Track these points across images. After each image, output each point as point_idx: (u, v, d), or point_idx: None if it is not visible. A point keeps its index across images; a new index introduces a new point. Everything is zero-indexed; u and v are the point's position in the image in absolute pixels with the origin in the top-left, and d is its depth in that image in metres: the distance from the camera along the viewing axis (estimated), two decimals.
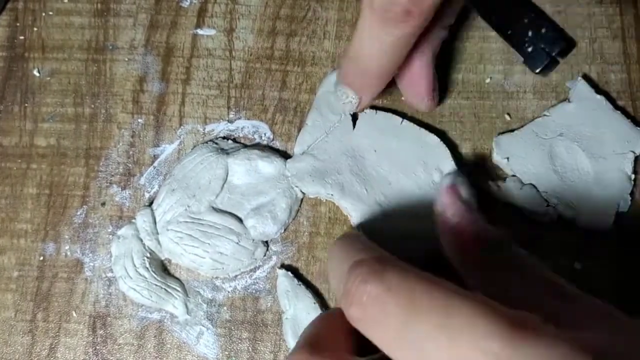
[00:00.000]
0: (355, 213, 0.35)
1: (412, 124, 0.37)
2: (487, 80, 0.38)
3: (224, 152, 0.37)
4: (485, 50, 0.39)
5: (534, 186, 0.35)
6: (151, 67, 0.39)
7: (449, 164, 0.36)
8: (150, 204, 0.36)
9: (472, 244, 0.28)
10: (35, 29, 0.40)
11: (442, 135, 0.37)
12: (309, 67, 0.39)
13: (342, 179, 0.36)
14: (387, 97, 0.38)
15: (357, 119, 0.37)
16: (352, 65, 0.33)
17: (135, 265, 0.35)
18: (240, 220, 0.36)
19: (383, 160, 0.36)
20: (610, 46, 0.39)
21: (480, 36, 0.39)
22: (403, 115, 0.37)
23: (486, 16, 0.39)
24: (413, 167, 0.36)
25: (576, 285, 0.25)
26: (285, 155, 0.37)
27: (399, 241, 0.34)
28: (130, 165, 0.38)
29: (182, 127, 0.38)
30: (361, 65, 0.33)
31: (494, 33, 0.39)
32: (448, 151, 0.36)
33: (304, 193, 0.36)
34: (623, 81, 0.38)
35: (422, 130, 0.37)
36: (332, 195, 0.35)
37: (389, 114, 0.37)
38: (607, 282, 0.34)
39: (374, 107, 0.37)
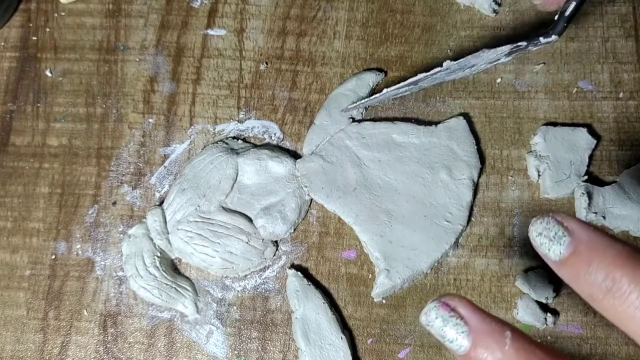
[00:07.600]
0: (357, 227, 0.35)
1: (414, 124, 0.37)
2: (498, 80, 0.38)
3: (234, 152, 0.37)
4: None
5: None
6: (162, 67, 0.39)
7: (461, 163, 0.36)
8: (161, 203, 0.37)
9: None
10: (47, 29, 0.41)
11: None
12: (319, 67, 0.39)
13: (349, 189, 0.36)
14: (402, 103, 0.38)
15: (359, 124, 0.37)
16: None
17: (145, 264, 0.35)
18: (250, 220, 0.36)
19: (387, 168, 0.36)
20: (623, 45, 0.38)
21: (491, 35, 0.39)
22: (408, 120, 0.37)
23: None
24: (419, 171, 0.36)
25: None
26: (295, 155, 0.37)
27: (407, 252, 0.34)
28: (141, 164, 0.38)
29: (192, 127, 0.38)
30: None
31: (505, 32, 0.39)
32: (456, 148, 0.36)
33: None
34: (636, 80, 0.37)
35: (426, 128, 0.37)
36: (335, 211, 0.36)
37: (389, 123, 0.37)
38: None
39: (372, 119, 0.37)
